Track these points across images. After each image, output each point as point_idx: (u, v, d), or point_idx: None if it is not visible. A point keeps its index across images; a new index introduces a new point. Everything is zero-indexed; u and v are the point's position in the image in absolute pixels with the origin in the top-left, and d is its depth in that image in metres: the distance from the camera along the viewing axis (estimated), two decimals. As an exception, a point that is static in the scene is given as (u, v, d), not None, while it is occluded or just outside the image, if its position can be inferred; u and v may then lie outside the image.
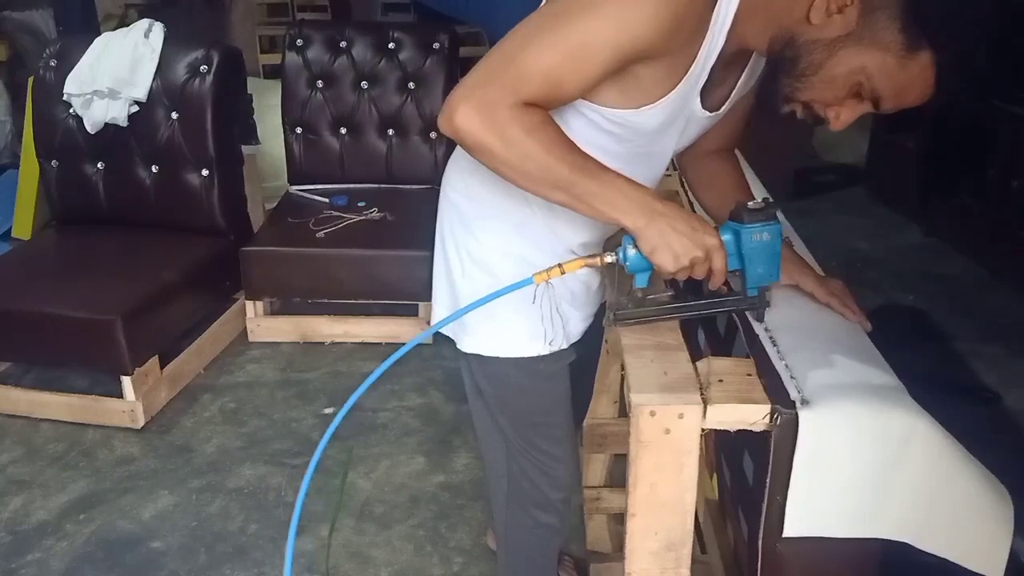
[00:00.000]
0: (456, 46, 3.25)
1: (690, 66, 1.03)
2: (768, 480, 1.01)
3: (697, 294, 1.12)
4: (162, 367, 2.59)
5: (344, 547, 2.05)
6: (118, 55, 2.74)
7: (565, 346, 1.31)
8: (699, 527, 1.79)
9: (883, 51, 0.94)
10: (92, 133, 2.78)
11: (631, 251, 1.03)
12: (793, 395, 0.98)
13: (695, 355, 1.11)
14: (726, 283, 1.08)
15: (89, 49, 2.78)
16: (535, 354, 1.29)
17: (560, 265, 1.07)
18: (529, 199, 1.20)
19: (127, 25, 2.92)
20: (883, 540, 1.03)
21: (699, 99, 1.10)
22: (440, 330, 1.34)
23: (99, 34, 2.88)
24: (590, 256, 1.08)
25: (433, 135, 3.20)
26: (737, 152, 1.44)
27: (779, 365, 1.04)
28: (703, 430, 1.01)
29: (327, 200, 3.10)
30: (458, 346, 1.35)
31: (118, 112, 2.73)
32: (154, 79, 2.76)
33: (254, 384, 2.74)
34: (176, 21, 3.36)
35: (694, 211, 1.41)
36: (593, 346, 1.65)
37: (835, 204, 4.24)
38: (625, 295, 1.10)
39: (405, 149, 3.22)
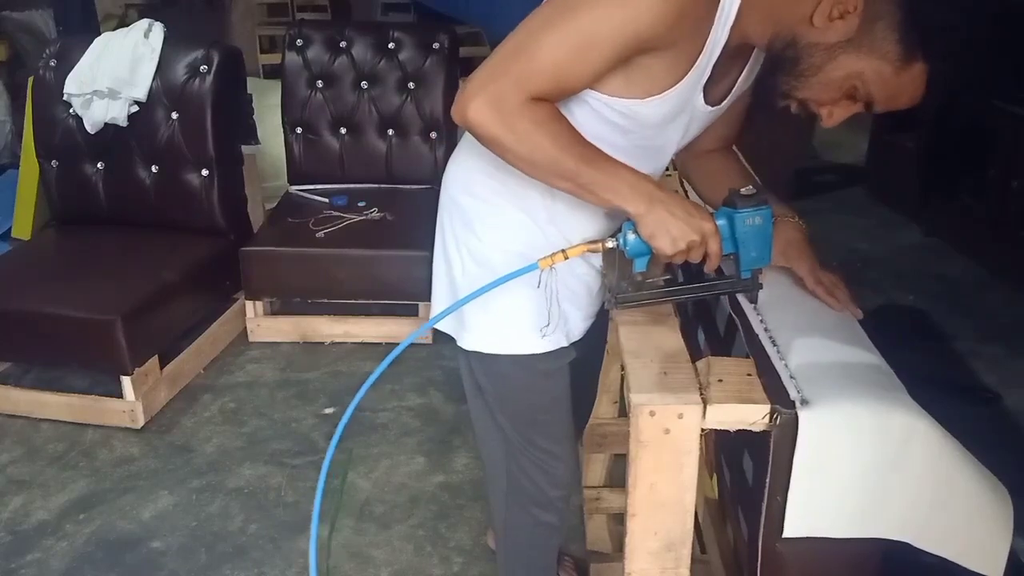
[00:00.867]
0: (456, 46, 3.25)
1: (696, 59, 1.05)
2: (768, 480, 1.01)
3: (693, 278, 1.16)
4: (162, 367, 2.59)
5: (344, 547, 2.05)
6: (118, 55, 2.74)
7: (565, 344, 1.31)
8: (699, 527, 1.79)
9: (880, 59, 0.98)
10: (92, 133, 2.77)
11: (631, 236, 1.08)
12: (793, 395, 0.98)
13: (695, 355, 1.11)
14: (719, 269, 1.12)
15: (89, 49, 2.77)
16: (535, 351, 1.29)
17: (564, 250, 1.11)
18: (530, 197, 1.22)
19: (127, 25, 2.92)
20: (883, 540, 1.03)
21: (702, 94, 1.12)
22: (441, 328, 1.34)
23: (99, 34, 2.88)
24: (592, 242, 1.12)
25: (433, 135, 3.20)
26: (736, 151, 1.44)
27: (779, 365, 1.04)
28: (703, 430, 1.01)
29: (327, 200, 3.10)
30: (458, 343, 1.35)
31: (118, 112, 2.73)
32: (154, 79, 2.76)
33: (254, 384, 2.74)
34: (176, 21, 3.36)
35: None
36: (596, 350, 1.65)
37: (835, 204, 4.24)
38: (625, 279, 1.14)
39: (405, 149, 3.22)
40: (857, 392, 0.99)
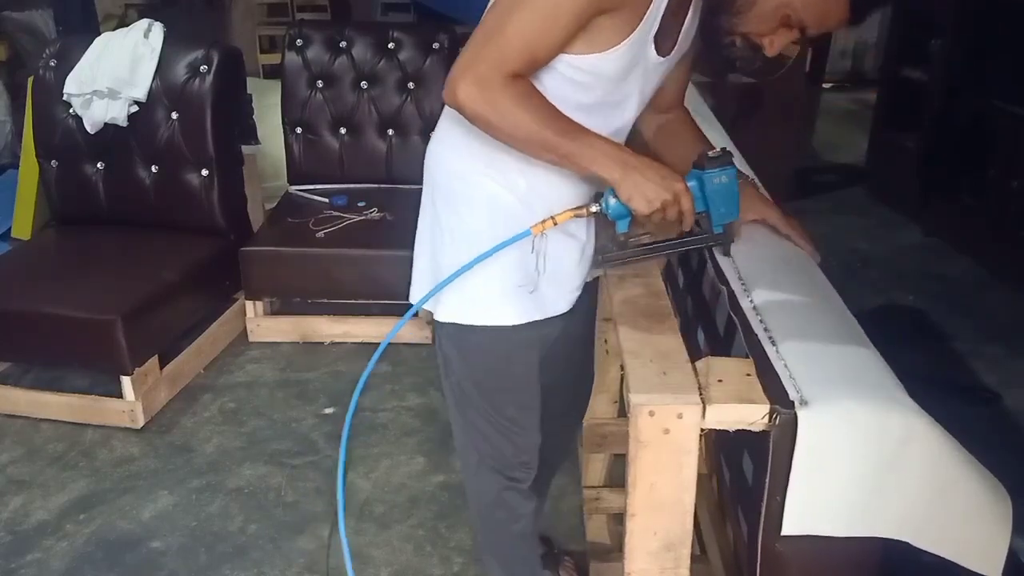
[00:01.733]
0: (456, 46, 3.24)
1: (644, 13, 1.16)
2: (767, 480, 1.01)
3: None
4: (162, 367, 2.59)
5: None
6: (118, 55, 2.74)
7: (538, 317, 1.34)
8: (699, 527, 1.79)
9: None
10: (92, 133, 2.78)
11: (611, 200, 1.19)
12: (792, 395, 0.98)
13: (694, 355, 1.11)
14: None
15: (89, 49, 2.78)
16: (509, 323, 1.32)
17: (553, 217, 1.22)
18: (509, 177, 1.29)
19: (127, 25, 2.93)
20: (882, 539, 1.03)
21: (653, 45, 1.22)
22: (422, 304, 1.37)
23: (99, 34, 2.88)
24: (577, 208, 1.23)
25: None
26: (735, 150, 1.48)
27: (778, 365, 1.04)
28: (702, 430, 1.01)
29: (327, 200, 3.11)
30: (435, 316, 1.38)
31: (118, 112, 2.74)
32: (154, 79, 2.76)
33: (254, 384, 2.74)
34: (176, 21, 3.37)
35: None
36: (587, 324, 1.67)
37: (835, 204, 4.24)
38: (610, 240, 1.26)
39: (405, 149, 3.22)
40: (856, 392, 0.99)
